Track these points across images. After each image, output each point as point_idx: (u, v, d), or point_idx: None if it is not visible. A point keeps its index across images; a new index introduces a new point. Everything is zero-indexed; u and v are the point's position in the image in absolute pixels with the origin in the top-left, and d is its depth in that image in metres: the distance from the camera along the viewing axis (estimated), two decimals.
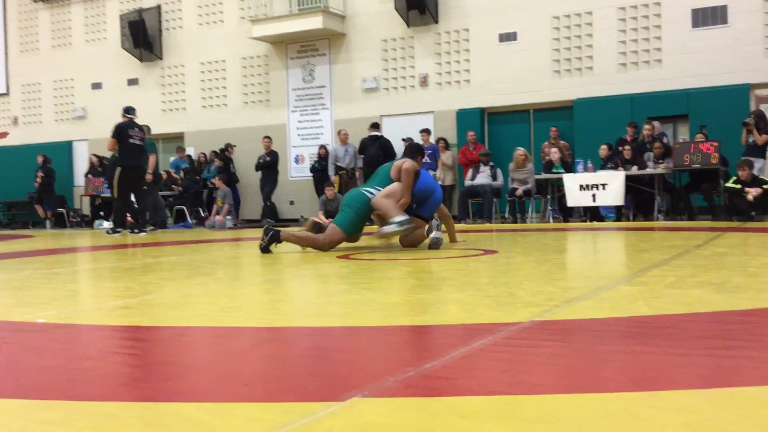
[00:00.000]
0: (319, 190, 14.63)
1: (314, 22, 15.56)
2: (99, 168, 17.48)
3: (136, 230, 11.55)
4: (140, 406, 1.67)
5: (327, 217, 13.27)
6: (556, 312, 2.71)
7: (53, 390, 1.84)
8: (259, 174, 15.69)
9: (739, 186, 10.21)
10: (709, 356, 1.96)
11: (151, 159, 12.24)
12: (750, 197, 10.05)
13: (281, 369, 2.02)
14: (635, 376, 1.81)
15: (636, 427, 1.39)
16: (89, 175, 17.16)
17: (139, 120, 12.06)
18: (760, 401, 1.54)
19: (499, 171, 13.01)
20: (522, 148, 12.68)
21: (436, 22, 14.94)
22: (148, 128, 12.69)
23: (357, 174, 14.67)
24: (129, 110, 11.71)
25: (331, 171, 14.57)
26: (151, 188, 12.67)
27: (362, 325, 2.70)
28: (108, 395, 1.78)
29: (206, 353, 2.31)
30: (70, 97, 19.62)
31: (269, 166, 15.48)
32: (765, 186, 10.10)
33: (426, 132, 13.95)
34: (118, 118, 11.74)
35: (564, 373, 1.86)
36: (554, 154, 12.33)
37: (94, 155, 17.84)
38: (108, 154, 11.95)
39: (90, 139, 18.96)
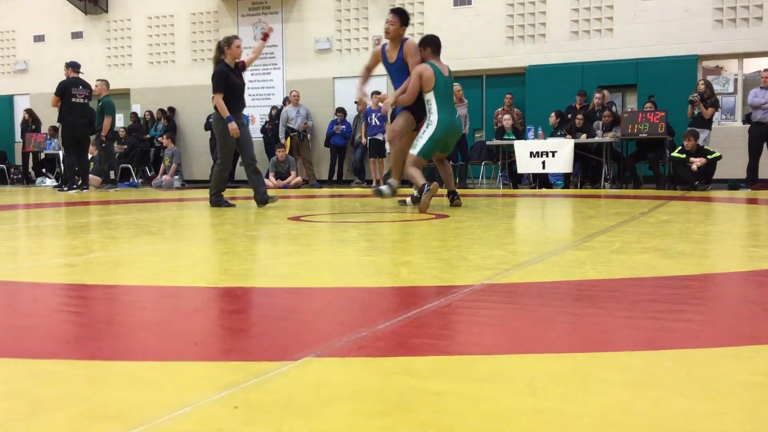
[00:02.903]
0: (270, 152, 14.48)
1: None
2: (32, 125, 16.96)
3: (68, 188, 11.34)
4: (86, 364, 1.63)
5: (278, 179, 13.22)
6: (507, 275, 2.74)
7: None
8: (205, 133, 15.42)
9: (684, 156, 10.44)
10: (654, 319, 2.01)
11: (106, 121, 11.82)
12: (694, 167, 10.30)
13: (231, 329, 2.00)
14: (583, 338, 1.84)
15: (583, 385, 1.41)
16: (28, 132, 16.64)
17: (85, 75, 11.72)
18: (702, 362, 1.59)
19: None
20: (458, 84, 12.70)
21: None
22: (107, 83, 12.25)
23: (308, 136, 14.55)
24: (74, 65, 11.37)
25: (281, 133, 14.41)
26: (109, 147, 12.33)
27: (313, 286, 2.69)
28: (53, 353, 1.74)
29: (153, 312, 2.27)
30: (11, 49, 18.89)
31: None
32: (709, 156, 10.35)
33: (376, 93, 13.84)
34: (60, 72, 11.40)
35: (514, 334, 1.88)
36: (506, 121, 12.40)
37: (27, 111, 17.27)
38: (54, 111, 11.56)
39: (32, 93, 18.33)
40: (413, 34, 14.43)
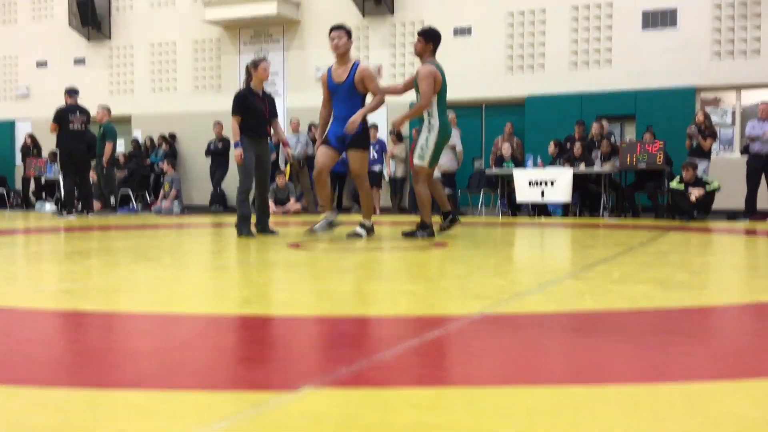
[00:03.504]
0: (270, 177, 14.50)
1: (269, 8, 15.38)
2: (33, 150, 17.03)
3: (67, 212, 11.36)
4: (85, 393, 1.62)
5: (277, 205, 13.23)
6: (506, 305, 2.74)
7: None
8: (205, 159, 15.48)
9: (682, 186, 10.47)
10: (653, 351, 2.01)
11: (107, 146, 11.85)
12: (693, 198, 10.32)
13: (230, 357, 2.00)
14: (582, 370, 1.84)
15: (582, 419, 1.41)
16: (29, 157, 16.70)
17: (87, 101, 11.78)
18: (702, 395, 1.58)
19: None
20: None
21: (392, 13, 14.93)
22: (108, 109, 12.29)
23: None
24: (71, 92, 11.40)
25: (281, 160, 14.46)
26: (110, 172, 12.36)
27: (312, 314, 2.69)
28: (52, 381, 1.73)
29: (153, 340, 2.27)
30: (13, 75, 19.01)
31: (221, 153, 15.28)
32: (708, 187, 10.37)
33: (374, 128, 13.89)
34: (62, 98, 11.45)
35: (513, 366, 1.88)
36: (506, 149, 12.45)
37: (29, 135, 17.36)
38: (54, 136, 11.62)
39: (33, 118, 18.42)
40: (413, 63, 14.56)
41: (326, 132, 6.48)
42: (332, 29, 6.43)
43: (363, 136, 6.40)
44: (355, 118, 6.22)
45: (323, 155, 6.39)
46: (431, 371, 1.80)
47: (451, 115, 12.78)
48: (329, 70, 6.46)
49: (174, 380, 1.72)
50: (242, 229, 6.68)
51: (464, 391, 1.62)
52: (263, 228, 6.96)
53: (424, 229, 6.38)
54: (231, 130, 6.77)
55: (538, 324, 2.45)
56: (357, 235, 6.41)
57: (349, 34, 6.42)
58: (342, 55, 6.36)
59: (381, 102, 6.42)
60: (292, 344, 2.18)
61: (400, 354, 1.94)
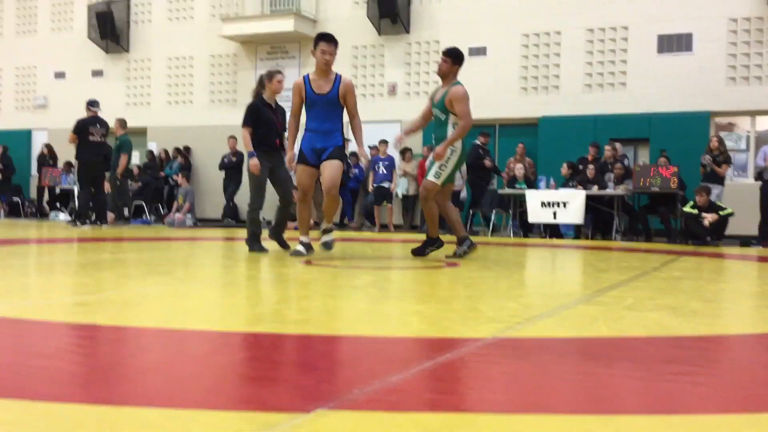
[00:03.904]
0: None
1: (286, 25, 15.52)
2: (50, 160, 17.19)
3: (81, 223, 11.45)
4: (98, 409, 1.63)
5: (289, 220, 13.23)
6: (519, 329, 2.74)
7: (6, 388, 1.79)
8: (219, 173, 15.57)
9: (696, 211, 10.42)
10: (668, 381, 1.99)
11: (122, 159, 11.96)
12: (706, 223, 10.27)
13: (243, 376, 2.00)
14: (594, 399, 1.83)
15: None
16: (45, 167, 16.85)
17: (104, 113, 11.90)
18: (714, 429, 1.57)
19: (463, 184, 13.09)
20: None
21: (408, 32, 15.01)
22: (124, 122, 12.41)
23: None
24: (93, 103, 11.58)
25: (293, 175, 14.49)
26: (124, 184, 12.45)
27: (326, 333, 2.69)
28: (64, 396, 1.74)
29: (166, 356, 2.27)
30: (31, 85, 19.23)
31: (234, 167, 15.36)
32: (721, 212, 10.32)
33: (384, 143, 13.95)
34: (80, 108, 11.59)
35: (526, 392, 1.87)
36: (518, 170, 12.45)
37: (46, 146, 17.53)
38: (72, 147, 11.74)
39: (50, 128, 18.60)
40: (428, 82, 14.62)
41: (299, 146, 6.18)
42: (327, 41, 6.08)
43: (342, 147, 6.22)
44: (441, 150, 6.07)
45: (307, 176, 6.16)
46: (444, 396, 1.79)
47: (482, 139, 12.87)
48: (306, 79, 6.12)
49: (185, 399, 1.72)
50: (253, 245, 6.67)
51: (476, 417, 1.61)
52: (278, 238, 6.91)
53: (462, 244, 6.29)
54: (243, 142, 6.67)
55: (551, 349, 2.44)
56: (299, 253, 6.14)
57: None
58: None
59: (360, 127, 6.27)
60: (304, 364, 2.18)
61: (414, 377, 1.93)
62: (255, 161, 6.54)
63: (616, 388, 1.93)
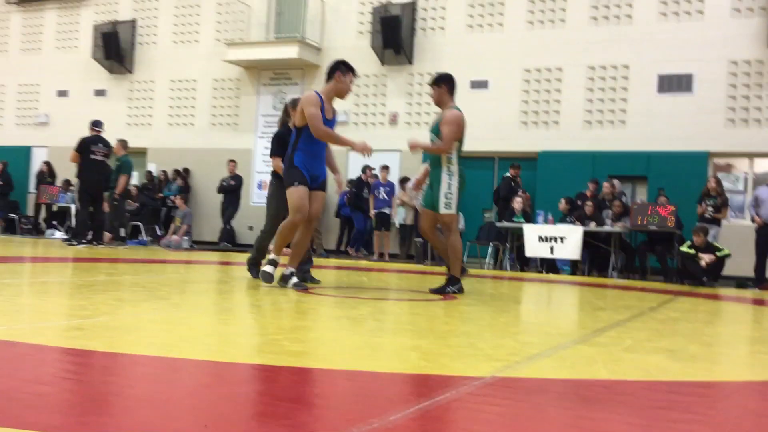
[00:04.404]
0: None
1: (290, 52, 15.63)
2: (48, 177, 17.20)
3: (77, 242, 11.44)
4: None
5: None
6: (517, 368, 2.72)
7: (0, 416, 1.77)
8: (217, 196, 15.59)
9: (693, 251, 10.44)
10: (666, 429, 1.98)
11: (122, 179, 11.98)
12: (703, 263, 10.28)
13: (239, 410, 1.98)
14: None
15: None
16: (44, 184, 16.85)
17: (105, 133, 11.93)
18: None
19: (460, 215, 13.09)
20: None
21: (411, 63, 15.13)
22: (125, 142, 12.44)
23: None
24: (97, 124, 11.66)
25: None
26: (120, 204, 12.46)
27: (323, 367, 2.67)
28: (59, 426, 1.72)
29: (163, 386, 2.25)
30: (34, 102, 19.29)
31: (233, 190, 15.37)
32: (718, 253, 10.34)
33: (385, 169, 14.11)
34: (82, 127, 11.64)
35: None
36: (517, 203, 12.48)
37: (45, 163, 17.56)
38: (71, 165, 11.77)
39: (50, 146, 18.62)
40: (429, 113, 14.70)
41: (297, 165, 5.77)
42: (354, 73, 5.97)
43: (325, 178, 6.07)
44: (420, 143, 6.01)
45: (317, 201, 5.88)
46: None
47: (513, 171, 12.95)
48: (321, 100, 5.79)
49: None
50: (252, 270, 6.62)
51: None
52: (305, 273, 6.48)
53: (453, 284, 6.01)
54: (277, 169, 6.39)
55: (550, 391, 2.42)
56: (301, 285, 5.80)
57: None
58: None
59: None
60: (302, 399, 2.16)
61: (413, 416, 1.91)
62: (300, 188, 5.76)
63: None
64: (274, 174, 6.60)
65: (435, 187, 6.06)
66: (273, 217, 6.54)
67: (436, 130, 6.10)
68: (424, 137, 6.69)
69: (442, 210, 5.99)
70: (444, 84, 6.18)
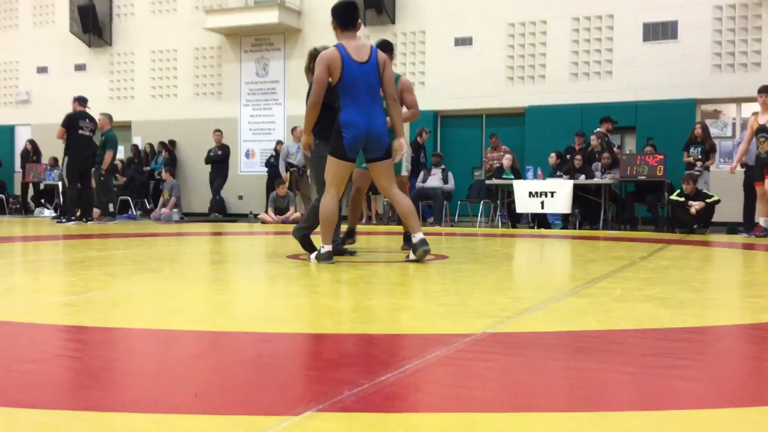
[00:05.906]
0: (272, 185, 14.50)
1: (270, 16, 15.43)
2: (33, 156, 17.05)
3: (66, 219, 11.43)
4: (86, 415, 1.61)
5: (277, 214, 13.22)
6: (508, 324, 2.73)
7: None
8: (205, 167, 15.50)
9: (682, 199, 10.47)
10: (658, 376, 1.99)
11: (107, 154, 11.90)
12: (693, 210, 10.31)
13: (231, 378, 1.98)
14: (585, 396, 1.82)
15: None
16: (29, 163, 16.71)
17: (89, 109, 11.81)
18: (704, 424, 1.57)
19: (450, 174, 13.09)
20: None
21: (393, 22, 14.96)
22: (110, 116, 12.35)
23: (308, 171, 14.57)
24: (81, 100, 11.57)
25: (282, 168, 14.45)
26: (108, 180, 12.39)
27: (314, 332, 2.67)
28: (51, 402, 1.72)
29: (154, 358, 2.25)
30: (14, 80, 19.04)
31: (220, 161, 15.28)
32: (708, 200, 10.37)
33: None
34: (63, 103, 11.54)
35: (517, 390, 1.86)
36: (506, 160, 12.46)
37: (29, 141, 17.39)
38: (58, 141, 11.69)
39: (33, 124, 18.43)
40: (414, 73, 14.58)
41: (346, 140, 5.04)
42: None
43: None
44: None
45: (362, 174, 5.83)
46: (435, 396, 1.78)
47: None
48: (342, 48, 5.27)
49: (174, 403, 1.70)
50: (306, 242, 5.71)
51: (467, 417, 1.60)
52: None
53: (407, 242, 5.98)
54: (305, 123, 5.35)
55: (541, 344, 2.43)
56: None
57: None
58: None
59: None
60: (292, 365, 2.16)
61: (404, 376, 1.92)
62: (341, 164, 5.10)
63: (606, 385, 1.92)
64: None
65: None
66: (321, 179, 5.40)
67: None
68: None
69: (404, 173, 6.24)
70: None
